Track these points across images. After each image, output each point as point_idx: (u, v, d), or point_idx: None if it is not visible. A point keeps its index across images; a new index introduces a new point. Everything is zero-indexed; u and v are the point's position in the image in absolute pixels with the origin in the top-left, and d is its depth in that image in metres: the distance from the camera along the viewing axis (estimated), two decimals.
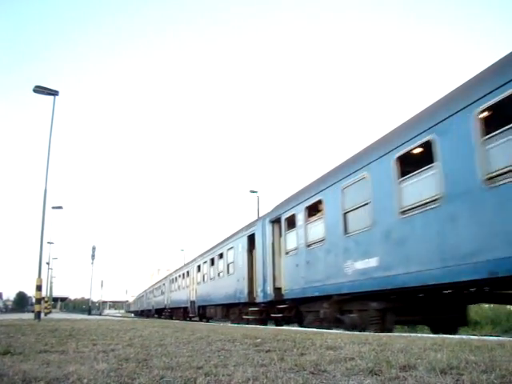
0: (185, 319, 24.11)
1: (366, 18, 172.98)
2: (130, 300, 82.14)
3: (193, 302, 22.04)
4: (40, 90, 16.78)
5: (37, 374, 2.51)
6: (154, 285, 43.27)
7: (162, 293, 33.98)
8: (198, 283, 21.21)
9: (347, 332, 7.14)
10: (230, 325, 13.45)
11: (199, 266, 21.58)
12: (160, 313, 36.34)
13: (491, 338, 4.90)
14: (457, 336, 5.61)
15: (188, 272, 24.65)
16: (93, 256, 51.01)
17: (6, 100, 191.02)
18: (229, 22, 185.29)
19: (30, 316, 19.95)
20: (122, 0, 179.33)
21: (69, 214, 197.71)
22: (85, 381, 2.28)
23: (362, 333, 6.49)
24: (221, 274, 17.19)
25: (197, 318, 22.25)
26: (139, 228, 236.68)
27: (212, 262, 18.93)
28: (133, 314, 63.41)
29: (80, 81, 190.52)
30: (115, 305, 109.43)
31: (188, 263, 25.96)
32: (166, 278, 34.28)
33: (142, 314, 50.20)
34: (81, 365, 2.89)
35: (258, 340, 4.65)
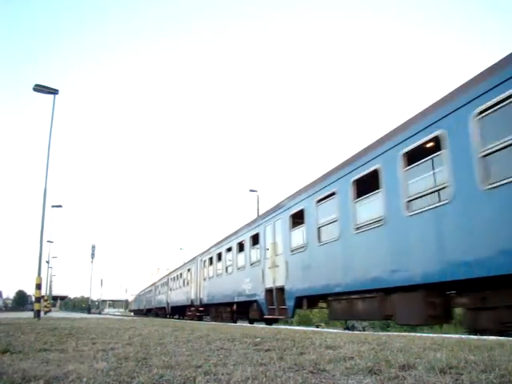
0: (233, 320, 15.87)
1: (366, 17, 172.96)
2: (131, 298, 79.61)
3: (274, 292, 11.70)
4: (40, 88, 16.79)
5: (36, 372, 2.51)
6: (167, 275, 34.18)
7: (185, 283, 24.66)
8: (294, 252, 10.70)
9: (347, 331, 7.13)
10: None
11: (300, 215, 10.58)
12: (178, 312, 28.24)
13: (490, 337, 4.89)
14: (456, 335, 5.62)
15: (257, 235, 13.57)
16: (92, 255, 51.06)
17: (6, 99, 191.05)
18: (229, 22, 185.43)
19: (30, 315, 19.98)
20: None
21: (69, 212, 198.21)
22: (84, 379, 2.28)
23: (362, 332, 6.48)
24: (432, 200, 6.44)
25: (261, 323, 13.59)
26: (139, 227, 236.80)
27: (360, 185, 8.18)
28: (132, 313, 62.22)
29: (80, 80, 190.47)
30: (115, 304, 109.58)
31: (256, 220, 14.43)
32: (191, 261, 24.29)
33: (148, 313, 42.69)
34: (80, 363, 2.89)
35: (258, 339, 4.65)
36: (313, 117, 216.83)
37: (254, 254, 13.81)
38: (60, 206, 34.87)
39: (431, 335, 5.82)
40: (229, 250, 16.65)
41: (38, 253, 16.37)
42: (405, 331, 10.25)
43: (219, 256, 18.00)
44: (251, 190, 30.64)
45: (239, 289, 14.78)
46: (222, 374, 2.41)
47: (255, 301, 13.27)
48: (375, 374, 2.40)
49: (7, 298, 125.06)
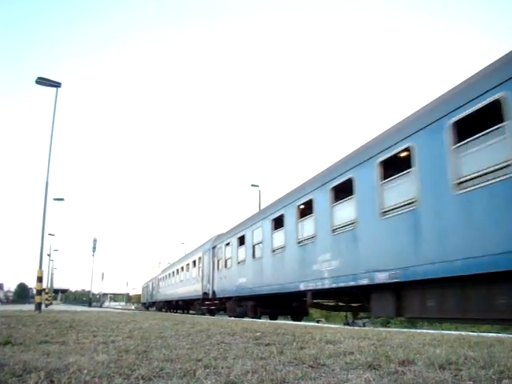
0: (257, 316, 13.39)
1: (366, 15, 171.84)
2: (133, 292, 73.85)
3: None
4: (42, 81, 16.73)
5: (37, 364, 2.52)
6: (171, 265, 28.50)
7: (195, 274, 20.42)
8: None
9: (347, 327, 7.16)
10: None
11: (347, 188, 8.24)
12: (185, 306, 24.10)
13: (490, 334, 4.90)
14: (456, 332, 5.63)
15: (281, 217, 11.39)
16: (94, 248, 51.20)
17: (9, 91, 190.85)
18: (230, 20, 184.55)
19: (31, 307, 20.04)
20: None
21: (70, 205, 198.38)
22: (85, 371, 2.28)
23: (362, 328, 6.50)
24: None
25: None
26: (140, 221, 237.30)
27: None
28: (133, 307, 60.93)
29: (83, 74, 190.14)
30: (116, 297, 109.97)
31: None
32: (201, 247, 20.56)
33: (150, 307, 37.52)
34: (81, 356, 2.90)
35: (258, 334, 4.66)
36: (314, 111, 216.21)
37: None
38: (62, 199, 34.92)
39: (431, 331, 5.83)
40: (257, 229, 13.26)
41: (40, 246, 16.34)
42: (405, 327, 10.27)
43: (241, 240, 14.56)
44: (253, 185, 30.51)
45: (274, 277, 11.69)
46: (222, 368, 2.41)
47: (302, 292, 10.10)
48: (375, 368, 2.41)
49: (8, 291, 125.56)
